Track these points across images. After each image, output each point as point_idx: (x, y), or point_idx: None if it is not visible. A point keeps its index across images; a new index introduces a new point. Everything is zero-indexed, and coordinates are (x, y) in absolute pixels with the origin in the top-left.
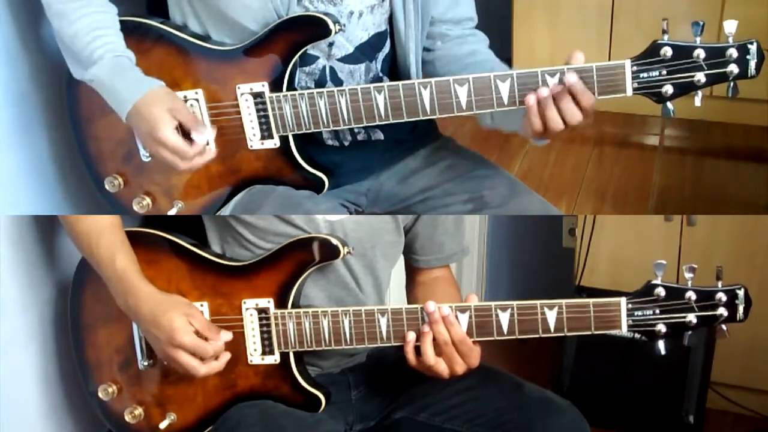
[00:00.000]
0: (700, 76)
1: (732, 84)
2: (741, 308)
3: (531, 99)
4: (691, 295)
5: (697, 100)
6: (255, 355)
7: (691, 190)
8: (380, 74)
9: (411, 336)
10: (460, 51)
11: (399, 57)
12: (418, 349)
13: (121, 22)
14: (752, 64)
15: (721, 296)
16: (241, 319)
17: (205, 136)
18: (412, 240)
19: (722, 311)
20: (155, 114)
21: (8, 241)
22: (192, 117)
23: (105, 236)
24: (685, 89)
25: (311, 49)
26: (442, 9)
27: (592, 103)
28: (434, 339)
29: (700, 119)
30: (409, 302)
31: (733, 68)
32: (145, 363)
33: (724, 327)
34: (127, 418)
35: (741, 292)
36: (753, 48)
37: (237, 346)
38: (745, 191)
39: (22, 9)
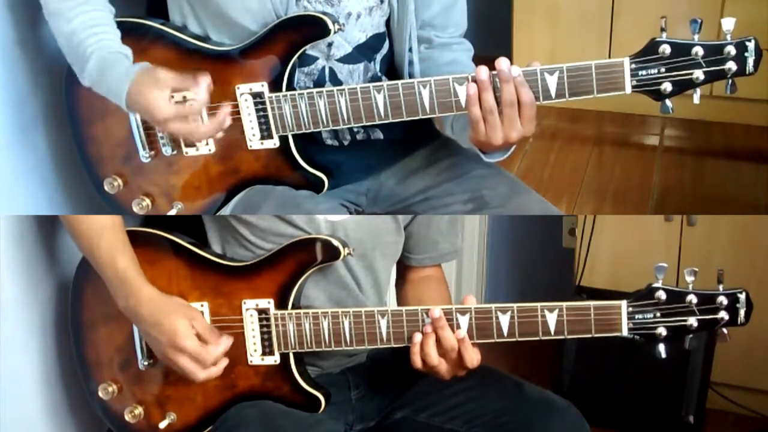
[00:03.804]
0: (698, 74)
1: (730, 81)
2: (742, 312)
3: (471, 87)
4: (692, 298)
5: (696, 98)
6: (255, 356)
7: (691, 190)
8: (379, 74)
9: (417, 338)
10: (442, 58)
11: (396, 58)
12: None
13: (121, 23)
14: (750, 61)
15: (723, 300)
16: (241, 320)
17: (202, 89)
18: (406, 238)
19: (723, 315)
20: (148, 96)
21: (8, 241)
22: (180, 80)
23: (106, 237)
24: (683, 87)
25: (310, 50)
26: (433, 13)
27: (530, 98)
28: (438, 342)
29: (699, 119)
30: (398, 299)
31: (732, 65)
32: (146, 362)
33: (725, 330)
34: (127, 417)
35: (742, 296)
36: (751, 45)
37: (237, 347)
38: (745, 191)
39: (21, 9)
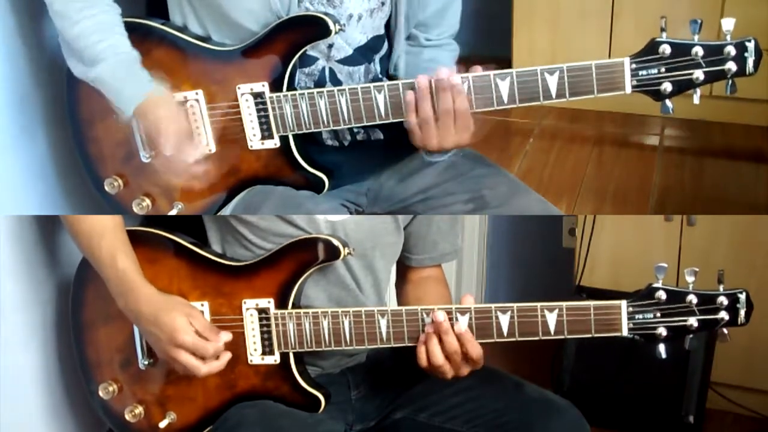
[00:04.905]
0: (698, 74)
1: (730, 81)
2: (742, 312)
3: (410, 95)
4: (692, 298)
5: (696, 98)
6: (255, 355)
7: (691, 190)
8: (379, 75)
9: (422, 337)
10: (422, 55)
11: (394, 59)
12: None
13: (122, 23)
14: (750, 61)
15: (723, 300)
16: (242, 319)
17: (200, 150)
18: (406, 238)
19: (723, 315)
20: (158, 119)
21: (8, 241)
22: (187, 125)
23: (106, 237)
24: (683, 87)
25: (311, 50)
26: (428, 14)
27: (464, 107)
28: (442, 345)
29: (699, 119)
30: (398, 299)
31: (731, 66)
32: (146, 362)
33: (725, 330)
34: (128, 416)
35: (743, 296)
36: (751, 45)
37: (237, 346)
38: (745, 191)
39: (23, 8)
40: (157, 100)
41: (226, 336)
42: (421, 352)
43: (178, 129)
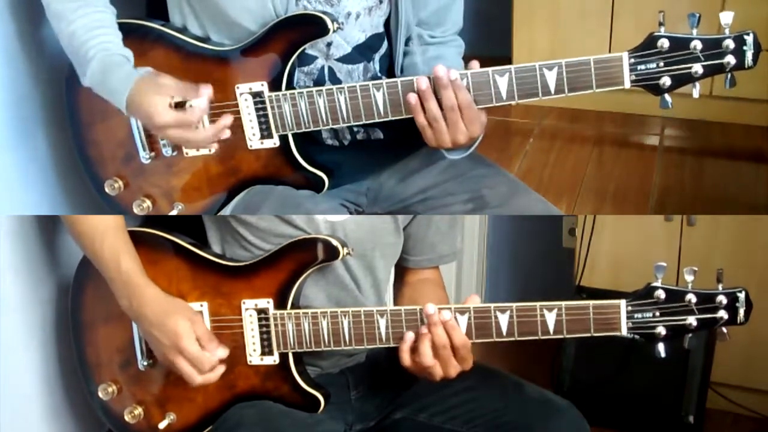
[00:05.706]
0: (697, 68)
1: (729, 75)
2: (742, 311)
3: (412, 98)
4: (692, 297)
5: (695, 92)
6: (254, 356)
7: (691, 190)
8: (379, 74)
9: (410, 336)
10: (427, 53)
11: (394, 57)
12: (413, 350)
13: (122, 24)
14: (749, 54)
15: (722, 299)
16: (241, 320)
17: (203, 98)
18: (405, 239)
19: (723, 314)
20: (148, 101)
21: (9, 241)
22: (182, 87)
23: (109, 238)
24: (682, 81)
25: (310, 49)
26: (429, 12)
27: (468, 100)
28: (432, 341)
29: (699, 119)
30: (395, 301)
31: (730, 59)
32: (145, 363)
33: (724, 330)
34: (127, 417)
35: (742, 295)
36: (749, 39)
37: (236, 347)
38: (745, 191)
39: (22, 9)
40: (143, 81)
41: (223, 352)
42: (404, 351)
43: (170, 104)
